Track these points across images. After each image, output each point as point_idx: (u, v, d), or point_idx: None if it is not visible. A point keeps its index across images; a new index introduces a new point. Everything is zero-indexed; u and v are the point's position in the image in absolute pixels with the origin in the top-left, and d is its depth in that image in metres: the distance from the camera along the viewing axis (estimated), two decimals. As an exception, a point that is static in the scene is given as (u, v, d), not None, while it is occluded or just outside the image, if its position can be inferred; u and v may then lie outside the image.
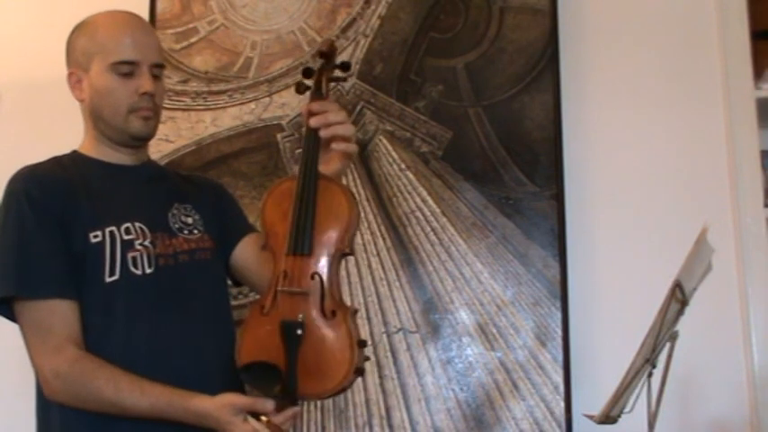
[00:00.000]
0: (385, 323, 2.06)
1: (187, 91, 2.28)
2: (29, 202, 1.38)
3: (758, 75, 2.05)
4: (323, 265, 1.32)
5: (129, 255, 1.38)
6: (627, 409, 1.38)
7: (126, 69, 1.43)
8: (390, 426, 2.02)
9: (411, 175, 2.13)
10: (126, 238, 1.39)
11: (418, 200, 2.10)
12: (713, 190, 2.05)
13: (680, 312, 1.38)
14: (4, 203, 1.42)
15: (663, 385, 1.36)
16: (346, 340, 1.28)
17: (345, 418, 2.04)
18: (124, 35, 1.45)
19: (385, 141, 2.15)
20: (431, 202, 2.11)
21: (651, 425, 1.36)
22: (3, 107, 2.40)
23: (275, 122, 2.23)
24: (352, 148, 1.41)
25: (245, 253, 1.58)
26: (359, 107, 2.20)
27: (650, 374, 1.37)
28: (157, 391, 1.29)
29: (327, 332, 1.28)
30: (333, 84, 1.46)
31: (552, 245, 2.03)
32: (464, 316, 2.05)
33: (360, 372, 1.29)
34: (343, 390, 1.30)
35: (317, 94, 1.40)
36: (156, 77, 1.47)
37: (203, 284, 1.47)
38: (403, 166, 2.14)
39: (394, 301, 2.07)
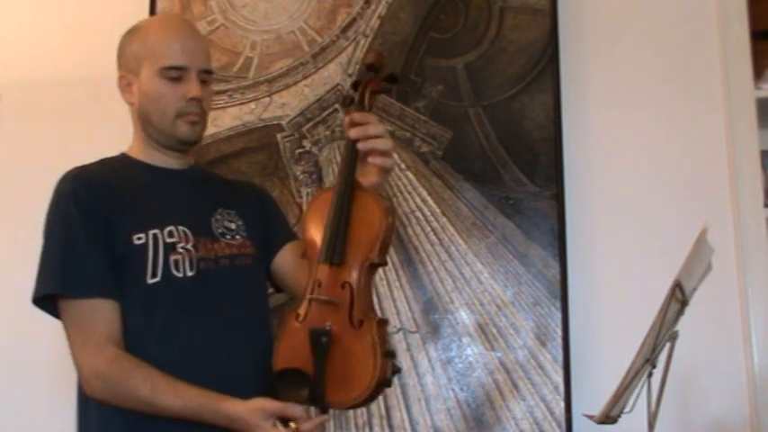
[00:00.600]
0: (385, 323, 2.06)
1: (187, 91, 2.28)
2: (76, 203, 1.40)
3: (758, 75, 2.05)
4: (354, 275, 1.33)
5: (172, 257, 1.40)
6: (627, 409, 1.38)
7: (174, 74, 1.45)
8: (390, 426, 2.02)
9: (411, 175, 2.13)
10: (169, 240, 1.41)
11: (418, 200, 2.10)
12: (713, 190, 2.04)
13: (680, 312, 1.38)
14: (53, 203, 1.44)
15: (663, 385, 1.36)
16: (370, 350, 1.28)
17: (345, 418, 2.04)
18: (174, 40, 1.47)
19: (385, 141, 2.15)
20: (431, 202, 2.11)
21: (651, 425, 1.36)
22: (3, 107, 2.41)
23: (275, 122, 2.23)
24: (389, 162, 1.41)
25: (286, 260, 1.58)
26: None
27: (650, 374, 1.37)
28: (191, 393, 1.31)
29: (353, 342, 1.29)
30: (377, 95, 1.46)
31: (552, 245, 2.03)
32: (464, 316, 2.05)
33: (386, 383, 1.30)
34: (369, 400, 1.30)
35: (359, 106, 1.41)
36: (204, 83, 1.49)
37: (243, 289, 1.48)
38: (403, 166, 2.14)
39: (394, 301, 2.07)
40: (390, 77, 1.47)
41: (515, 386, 1.99)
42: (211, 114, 2.23)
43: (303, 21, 2.29)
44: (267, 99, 2.24)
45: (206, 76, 1.50)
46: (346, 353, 1.29)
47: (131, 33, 1.54)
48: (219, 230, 1.48)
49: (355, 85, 1.45)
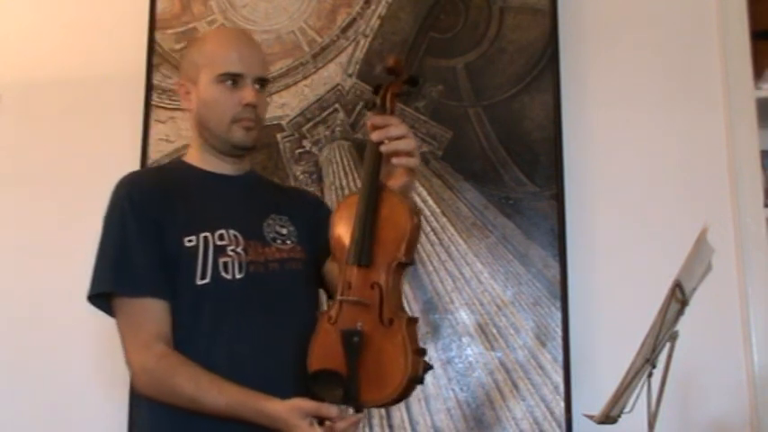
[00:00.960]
0: (385, 323, 2.06)
1: (187, 91, 2.28)
2: (130, 206, 1.46)
3: (758, 75, 2.05)
4: (383, 275, 1.35)
5: (221, 260, 1.44)
6: (627, 409, 1.38)
7: (231, 81, 1.50)
8: (390, 426, 2.02)
9: (411, 175, 2.13)
10: (219, 243, 1.45)
11: (418, 200, 2.10)
12: (713, 190, 2.05)
13: (680, 312, 1.38)
14: (110, 206, 1.50)
15: (663, 385, 1.36)
16: (401, 348, 1.30)
17: (345, 418, 2.04)
18: (231, 49, 1.52)
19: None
20: (431, 202, 2.11)
21: (651, 425, 1.35)
22: (3, 107, 2.41)
23: (275, 122, 2.23)
24: (413, 162, 1.42)
25: (334, 266, 1.60)
26: (359, 107, 2.20)
27: (650, 374, 1.37)
28: (233, 392, 1.35)
29: (384, 341, 1.32)
30: (398, 98, 1.49)
31: (552, 245, 2.03)
32: (464, 316, 2.05)
33: (418, 380, 1.32)
34: (401, 398, 1.32)
35: (380, 109, 1.44)
36: (260, 90, 1.53)
37: (291, 293, 1.50)
38: (403, 166, 2.13)
39: (394, 301, 2.07)
40: (411, 80, 1.50)
41: (515, 386, 1.99)
42: (211, 114, 2.26)
43: (303, 21, 2.29)
44: (267, 99, 2.23)
45: (261, 83, 1.54)
46: (378, 352, 1.32)
47: (192, 43, 1.61)
48: (271, 235, 1.52)
49: (377, 89, 1.48)
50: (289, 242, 1.54)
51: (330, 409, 1.29)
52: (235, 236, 1.47)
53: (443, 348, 2.04)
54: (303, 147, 2.22)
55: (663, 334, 1.36)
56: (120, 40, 2.38)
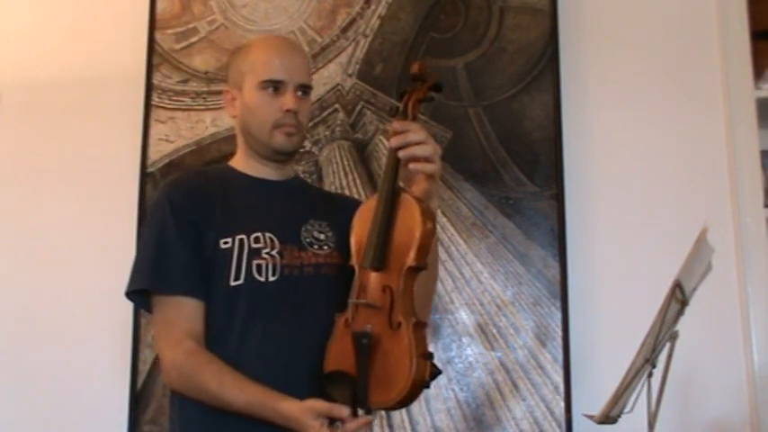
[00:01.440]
0: (385, 323, 2.06)
1: (187, 91, 2.28)
2: (171, 208, 1.50)
3: (758, 75, 2.06)
4: (394, 278, 1.37)
5: (255, 262, 1.47)
6: (627, 409, 1.38)
7: (273, 87, 1.53)
8: (390, 426, 2.02)
9: (411, 175, 2.13)
10: (254, 246, 1.48)
11: (418, 200, 2.10)
12: (713, 190, 2.05)
13: (680, 312, 1.38)
14: (153, 207, 1.56)
15: (663, 385, 1.36)
16: (406, 352, 1.31)
17: (345, 418, 2.04)
18: (273, 56, 1.55)
19: (385, 141, 2.15)
20: (431, 202, 2.10)
21: (651, 425, 1.35)
22: (3, 107, 2.41)
23: (275, 122, 2.23)
24: (429, 168, 1.43)
25: None
26: (359, 107, 2.20)
27: (650, 374, 1.37)
28: (254, 390, 1.37)
29: (392, 343, 1.34)
30: (420, 104, 1.50)
31: (552, 245, 2.03)
32: (464, 316, 2.05)
33: (424, 384, 1.33)
34: (407, 401, 1.33)
35: (402, 115, 1.46)
36: (302, 97, 1.56)
37: (324, 298, 1.51)
38: (403, 166, 2.13)
39: (394, 301, 2.07)
40: (435, 86, 1.51)
41: (515, 386, 1.99)
42: (211, 114, 2.26)
43: (303, 21, 2.29)
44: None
45: (304, 90, 1.56)
46: (385, 355, 1.33)
47: (238, 51, 1.64)
48: (308, 240, 1.54)
49: (401, 95, 1.49)
50: (326, 247, 1.55)
51: (342, 410, 1.30)
52: (270, 239, 1.49)
53: (443, 348, 2.04)
54: (303, 147, 2.21)
55: (663, 334, 1.36)
56: (120, 40, 2.38)
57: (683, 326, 1.39)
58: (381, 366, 1.33)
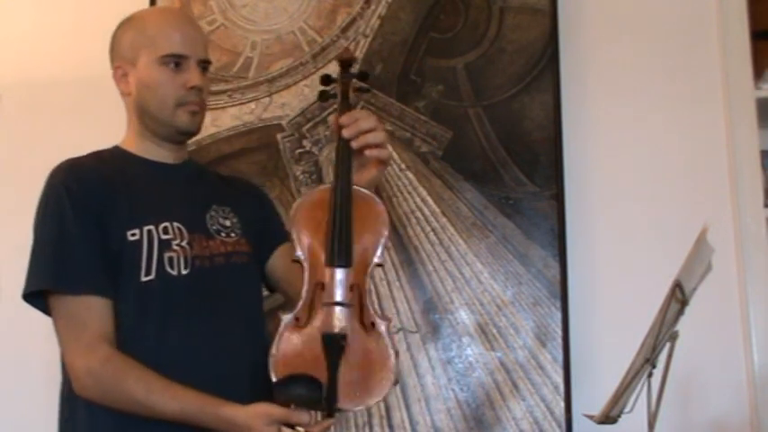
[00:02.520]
0: (385, 323, 2.06)
1: (187, 91, 2.28)
2: (68, 197, 1.37)
3: (758, 75, 2.05)
4: (360, 276, 1.32)
5: (166, 255, 1.37)
6: (627, 409, 1.38)
7: (174, 63, 1.43)
8: (390, 426, 2.02)
9: (411, 175, 2.13)
10: (164, 237, 1.38)
11: (418, 200, 2.10)
12: (713, 190, 2.04)
13: (680, 312, 1.38)
14: (44, 196, 1.41)
15: (663, 385, 1.36)
16: (386, 352, 1.28)
17: (345, 418, 2.04)
18: (174, 29, 1.45)
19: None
20: (431, 202, 2.11)
21: (651, 425, 1.35)
22: (3, 107, 2.41)
23: (275, 122, 2.23)
24: (385, 153, 1.38)
25: (280, 262, 1.56)
26: (359, 107, 2.20)
27: (650, 374, 1.37)
28: (189, 396, 1.28)
29: (369, 344, 1.28)
30: (359, 92, 1.47)
31: (552, 245, 2.03)
32: (464, 316, 2.05)
33: (397, 382, 1.30)
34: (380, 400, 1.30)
35: (345, 105, 1.41)
36: (203, 73, 1.47)
37: (238, 288, 1.45)
38: (403, 166, 2.14)
39: (394, 301, 2.07)
40: (362, 74, 1.47)
41: (515, 386, 1.99)
42: (211, 114, 2.26)
43: (303, 21, 2.29)
44: (267, 99, 2.24)
45: (205, 66, 1.48)
46: (361, 356, 1.28)
47: (127, 23, 1.51)
48: (214, 227, 1.46)
49: (325, 80, 1.44)
50: (233, 235, 1.47)
51: (301, 416, 1.23)
52: (179, 228, 1.40)
53: (443, 348, 2.04)
54: (303, 147, 2.22)
55: (663, 334, 1.36)
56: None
57: (683, 326, 1.39)
58: (357, 368, 1.27)
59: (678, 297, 1.35)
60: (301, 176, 2.19)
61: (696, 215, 1.92)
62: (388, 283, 2.08)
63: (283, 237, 1.60)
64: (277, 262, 1.58)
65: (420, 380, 2.03)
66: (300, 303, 1.31)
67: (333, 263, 1.31)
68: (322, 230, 1.33)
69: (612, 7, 2.18)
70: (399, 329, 2.05)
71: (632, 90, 2.13)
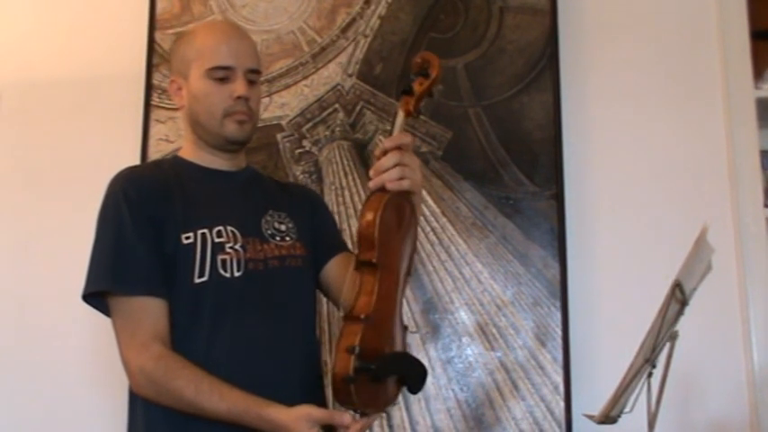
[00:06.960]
0: (385, 323, 2.06)
1: (187, 91, 2.28)
2: (126, 203, 1.42)
3: (758, 75, 2.06)
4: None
5: (219, 257, 1.41)
6: (627, 409, 1.38)
7: (221, 74, 1.47)
8: (390, 426, 2.02)
9: (411, 175, 2.13)
10: (217, 240, 1.42)
11: (418, 200, 2.10)
12: (713, 190, 2.05)
13: (680, 312, 1.38)
14: (105, 203, 1.46)
15: (663, 385, 1.36)
16: (336, 347, 1.28)
17: (345, 418, 2.03)
18: (220, 42, 1.49)
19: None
20: (431, 202, 2.11)
21: (651, 425, 1.35)
22: (3, 107, 2.41)
23: (275, 122, 2.23)
24: (406, 184, 1.35)
25: (334, 272, 1.58)
26: (359, 107, 2.20)
27: (650, 374, 1.36)
28: (235, 397, 1.30)
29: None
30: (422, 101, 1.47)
31: (552, 245, 2.03)
32: (464, 316, 2.05)
33: (349, 379, 1.26)
34: (342, 396, 1.26)
35: (414, 114, 1.46)
36: (252, 83, 1.50)
37: (291, 291, 1.48)
38: (403, 166, 2.13)
39: (394, 301, 2.07)
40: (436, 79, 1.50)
41: (515, 386, 1.99)
42: (211, 114, 2.26)
43: (303, 21, 2.29)
44: (267, 99, 2.24)
45: (253, 76, 1.51)
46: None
47: (181, 38, 1.57)
48: (269, 232, 1.49)
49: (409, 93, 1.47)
50: (288, 239, 1.51)
51: (343, 417, 1.24)
52: (233, 232, 1.44)
53: (443, 348, 2.04)
54: (303, 147, 2.22)
55: (663, 334, 1.36)
56: (120, 40, 2.38)
57: (683, 326, 1.39)
58: None
59: (678, 297, 1.35)
60: (301, 176, 2.19)
61: (696, 215, 1.93)
62: (388, 283, 2.08)
63: (339, 246, 1.64)
64: (331, 271, 1.59)
65: (420, 380, 2.03)
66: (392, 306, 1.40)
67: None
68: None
69: (612, 7, 2.18)
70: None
71: (632, 90, 2.13)
